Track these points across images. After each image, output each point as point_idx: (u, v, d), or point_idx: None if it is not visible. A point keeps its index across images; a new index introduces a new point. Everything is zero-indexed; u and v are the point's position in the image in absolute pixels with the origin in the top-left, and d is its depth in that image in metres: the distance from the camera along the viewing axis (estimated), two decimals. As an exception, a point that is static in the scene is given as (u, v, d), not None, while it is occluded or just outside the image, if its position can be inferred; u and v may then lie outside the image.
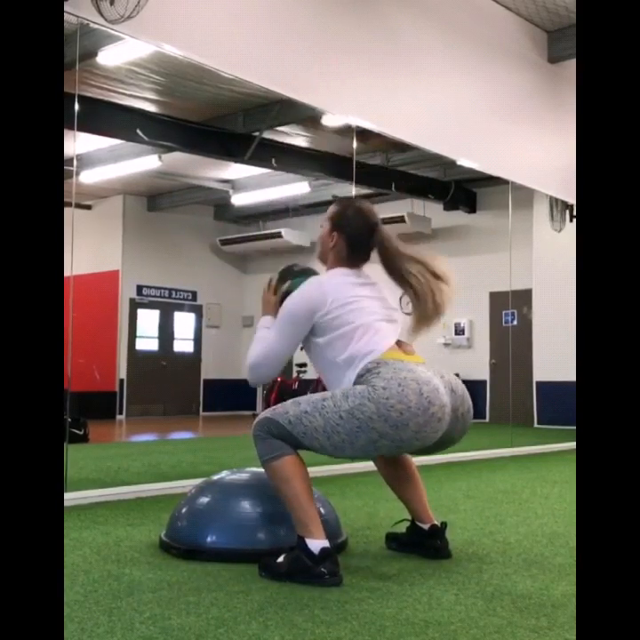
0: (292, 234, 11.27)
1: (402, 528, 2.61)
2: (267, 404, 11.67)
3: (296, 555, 2.16)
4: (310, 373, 10.32)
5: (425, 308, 2.45)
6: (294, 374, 11.83)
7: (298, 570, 2.13)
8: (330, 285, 2.37)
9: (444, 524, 2.51)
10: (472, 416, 2.41)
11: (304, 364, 10.59)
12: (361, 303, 2.36)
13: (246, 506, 2.47)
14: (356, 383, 2.25)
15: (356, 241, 2.45)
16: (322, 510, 2.54)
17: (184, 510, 2.56)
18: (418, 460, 5.23)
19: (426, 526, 2.51)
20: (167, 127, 7.72)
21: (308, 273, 2.50)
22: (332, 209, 2.54)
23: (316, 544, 2.16)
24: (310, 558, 2.13)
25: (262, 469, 2.52)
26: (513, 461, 5.59)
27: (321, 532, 2.19)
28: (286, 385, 11.87)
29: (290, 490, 2.22)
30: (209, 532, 2.44)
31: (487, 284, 10.13)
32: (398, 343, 2.38)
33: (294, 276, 2.49)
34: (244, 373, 2.42)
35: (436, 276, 2.48)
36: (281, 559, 2.18)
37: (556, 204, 7.56)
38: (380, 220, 2.49)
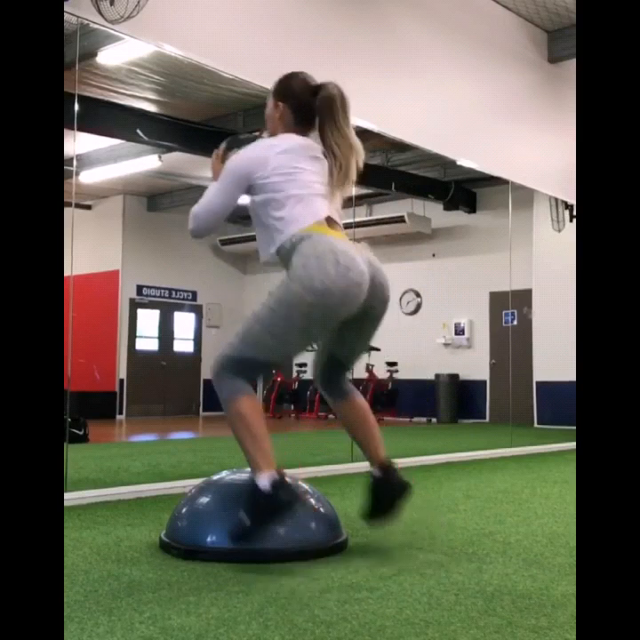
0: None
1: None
2: (267, 405, 11.68)
3: (253, 499, 2.26)
4: (310, 373, 10.31)
5: (339, 179, 2.51)
6: (294, 374, 11.84)
7: (260, 515, 2.24)
8: (274, 151, 2.45)
9: (391, 461, 2.64)
10: (389, 289, 2.50)
11: (304, 364, 10.61)
12: (300, 175, 2.44)
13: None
14: (280, 254, 2.39)
15: (299, 105, 2.53)
16: (322, 510, 2.55)
17: (184, 510, 2.56)
18: (417, 460, 5.27)
19: (377, 471, 2.64)
20: (167, 127, 7.72)
21: (254, 142, 2.58)
22: (274, 84, 2.62)
23: (265, 477, 2.26)
24: (265, 496, 2.24)
25: None
26: (513, 461, 5.59)
27: (269, 464, 2.28)
28: (286, 385, 11.88)
29: (246, 429, 2.33)
30: (209, 532, 2.44)
31: (487, 284, 10.14)
32: (328, 220, 2.45)
33: (241, 144, 2.58)
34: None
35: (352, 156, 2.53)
36: (241, 516, 2.27)
37: (557, 204, 7.56)
38: (328, 84, 2.53)
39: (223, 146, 2.61)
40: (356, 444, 2.73)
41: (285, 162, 2.43)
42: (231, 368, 2.37)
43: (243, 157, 2.48)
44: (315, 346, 2.56)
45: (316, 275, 2.27)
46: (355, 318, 2.44)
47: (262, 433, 2.33)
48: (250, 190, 2.46)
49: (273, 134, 2.58)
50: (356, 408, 2.69)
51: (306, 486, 2.63)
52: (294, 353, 2.49)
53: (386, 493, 2.62)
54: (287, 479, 2.29)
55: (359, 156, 2.54)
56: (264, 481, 2.25)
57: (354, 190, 5.93)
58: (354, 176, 2.53)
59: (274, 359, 2.43)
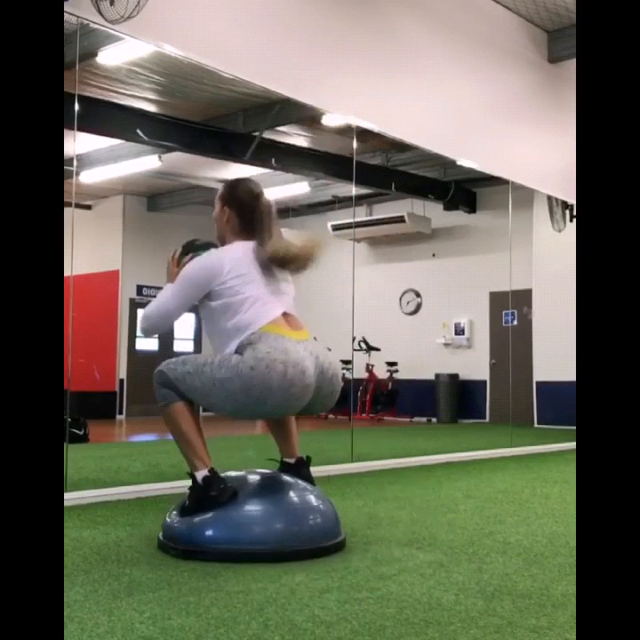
0: (291, 234, 11.27)
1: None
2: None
3: (192, 492, 2.53)
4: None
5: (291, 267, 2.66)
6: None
7: (196, 502, 2.49)
8: (228, 257, 2.59)
9: (308, 457, 2.79)
10: (337, 395, 2.66)
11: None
12: (255, 276, 2.57)
13: (245, 505, 2.47)
14: (237, 352, 2.49)
15: (245, 211, 2.69)
16: (321, 508, 2.55)
17: (177, 512, 2.57)
18: (417, 460, 5.27)
19: (292, 460, 2.78)
20: (167, 127, 7.72)
21: (209, 246, 2.73)
22: (220, 189, 2.77)
23: (200, 474, 2.50)
24: (200, 488, 2.49)
25: (261, 469, 2.68)
26: (513, 461, 5.59)
27: (203, 462, 2.52)
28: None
29: (177, 432, 2.56)
30: (207, 532, 2.44)
31: (487, 284, 10.13)
32: (285, 315, 2.59)
33: (196, 249, 2.71)
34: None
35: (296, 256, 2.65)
36: (186, 501, 2.54)
37: (557, 204, 7.56)
38: (263, 191, 2.74)
39: (179, 250, 2.73)
40: (274, 436, 2.85)
41: (238, 265, 2.56)
42: (164, 384, 2.59)
43: (199, 265, 2.60)
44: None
45: (258, 383, 2.41)
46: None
47: (192, 435, 2.55)
48: (206, 296, 2.58)
49: (220, 236, 2.74)
50: None
51: (306, 485, 2.63)
52: (220, 413, 2.59)
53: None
54: (220, 476, 2.52)
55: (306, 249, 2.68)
56: (199, 476, 2.51)
57: (354, 190, 5.94)
58: (307, 262, 2.65)
59: (198, 403, 2.59)
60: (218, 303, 2.56)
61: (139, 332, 2.79)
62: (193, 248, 2.71)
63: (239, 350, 2.49)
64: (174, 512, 2.57)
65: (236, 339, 2.51)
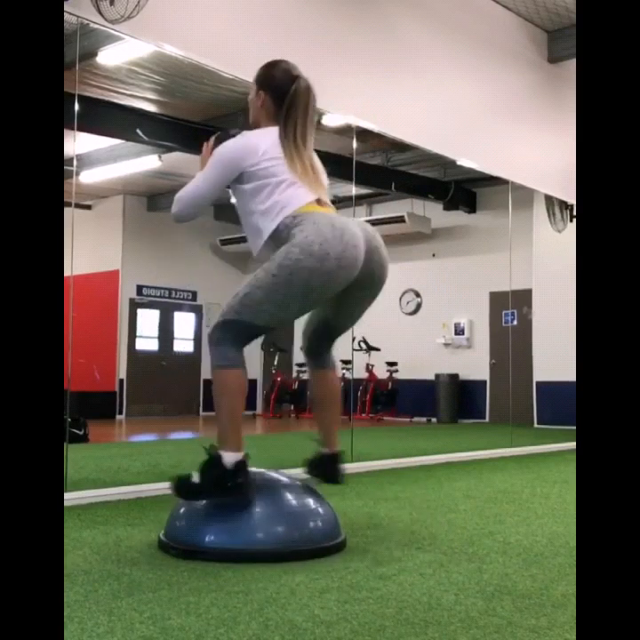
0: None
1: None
2: (267, 404, 11.69)
3: (210, 470, 2.29)
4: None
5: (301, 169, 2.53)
6: (294, 374, 11.84)
7: (212, 482, 2.27)
8: (263, 139, 2.49)
9: (340, 453, 2.71)
10: (387, 255, 2.54)
11: (304, 364, 10.61)
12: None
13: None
14: (274, 238, 2.41)
15: (280, 93, 2.56)
16: (320, 510, 2.55)
17: (182, 510, 2.56)
18: (417, 460, 5.27)
19: (327, 452, 2.70)
20: (167, 127, 7.72)
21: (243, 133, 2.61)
22: (256, 72, 2.66)
23: (232, 456, 2.29)
24: (226, 471, 2.27)
25: (261, 469, 2.60)
26: (513, 461, 5.59)
27: (239, 446, 2.33)
28: (286, 385, 11.88)
29: (226, 402, 2.37)
30: (207, 532, 2.44)
31: (487, 284, 10.13)
32: (319, 201, 2.48)
33: (230, 137, 2.60)
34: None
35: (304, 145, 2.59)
36: (195, 478, 2.31)
37: (554, 205, 7.55)
38: (303, 75, 2.60)
39: (213, 139, 2.63)
40: (316, 419, 2.78)
41: (274, 148, 2.47)
42: (231, 333, 2.38)
43: (233, 145, 2.51)
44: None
45: (314, 239, 2.31)
46: (354, 284, 2.46)
47: (239, 411, 2.38)
48: (239, 179, 2.48)
49: (255, 120, 2.64)
50: (330, 382, 2.76)
51: (305, 486, 2.63)
52: (293, 318, 2.50)
53: (323, 473, 2.72)
54: (250, 468, 2.35)
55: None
56: (230, 457, 2.30)
57: (354, 190, 5.94)
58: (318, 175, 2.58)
59: (272, 324, 2.44)
60: (251, 185, 2.46)
61: (172, 219, 2.61)
62: (227, 137, 2.61)
63: (276, 238, 2.40)
64: (182, 509, 2.54)
65: (269, 220, 2.42)
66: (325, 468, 2.72)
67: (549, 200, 7.52)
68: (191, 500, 2.31)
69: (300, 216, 2.40)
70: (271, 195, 2.43)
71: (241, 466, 2.30)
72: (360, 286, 2.49)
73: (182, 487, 2.33)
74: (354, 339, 8.95)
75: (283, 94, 2.55)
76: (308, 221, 2.37)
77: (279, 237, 2.42)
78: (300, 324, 2.80)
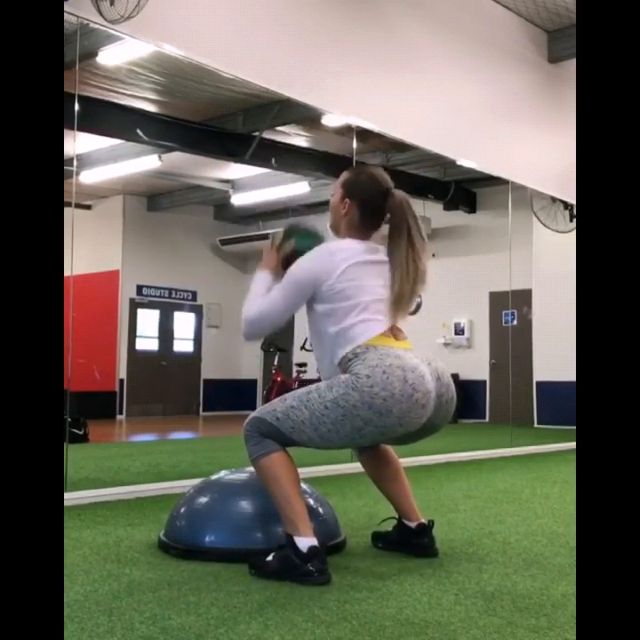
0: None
1: (388, 526, 2.60)
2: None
3: (285, 553, 2.18)
4: (310, 373, 10.32)
5: (400, 292, 2.33)
6: (294, 374, 11.83)
7: (286, 568, 2.15)
8: (340, 257, 2.32)
9: (431, 522, 2.52)
10: (455, 404, 2.40)
11: (304, 364, 10.60)
12: (365, 281, 2.32)
13: (245, 505, 2.47)
14: (341, 365, 2.26)
15: (368, 207, 2.41)
16: (320, 510, 2.55)
17: (183, 510, 2.56)
18: (417, 460, 5.27)
19: (413, 525, 2.51)
20: (167, 127, 7.72)
21: (314, 235, 2.48)
22: (344, 175, 2.49)
23: (305, 542, 2.17)
24: (298, 556, 2.15)
25: None
26: (513, 461, 5.59)
27: (309, 530, 2.20)
28: (286, 385, 11.87)
29: (278, 489, 2.24)
30: (207, 532, 2.44)
31: (487, 284, 10.13)
32: (391, 328, 2.34)
33: (300, 234, 2.47)
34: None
35: (418, 270, 2.36)
36: (270, 558, 2.20)
37: (552, 203, 7.54)
38: (393, 185, 2.43)
39: (280, 236, 2.48)
40: (386, 497, 2.61)
41: (350, 268, 2.30)
42: (264, 432, 2.28)
43: (309, 266, 2.33)
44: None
45: (379, 391, 2.15)
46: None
47: (295, 492, 2.25)
48: (313, 298, 2.33)
49: (335, 227, 2.48)
50: (390, 456, 2.62)
51: (305, 486, 2.63)
52: (332, 448, 2.35)
53: (413, 549, 2.50)
54: (324, 554, 2.19)
55: (423, 280, 2.37)
56: (303, 543, 2.17)
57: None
58: (412, 303, 2.37)
59: (305, 445, 2.30)
60: (325, 307, 2.31)
61: (243, 337, 2.42)
62: (296, 234, 2.47)
63: (343, 366, 2.25)
64: (182, 509, 2.53)
65: (340, 347, 2.27)
66: (415, 544, 2.49)
67: (541, 201, 7.51)
68: (264, 578, 2.17)
69: (370, 350, 2.23)
70: (345, 317, 2.28)
71: (314, 552, 2.16)
72: (413, 433, 2.33)
73: (257, 567, 2.21)
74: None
75: (372, 208, 2.40)
76: (378, 364, 2.18)
77: (344, 363, 2.28)
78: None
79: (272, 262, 2.45)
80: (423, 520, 2.52)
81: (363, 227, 2.42)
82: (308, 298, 2.34)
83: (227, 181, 10.40)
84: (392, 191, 2.41)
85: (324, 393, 2.22)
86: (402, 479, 2.59)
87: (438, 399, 2.30)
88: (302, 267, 2.34)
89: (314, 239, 2.44)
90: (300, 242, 2.43)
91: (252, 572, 2.21)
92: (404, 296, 2.31)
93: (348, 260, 2.31)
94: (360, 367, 2.20)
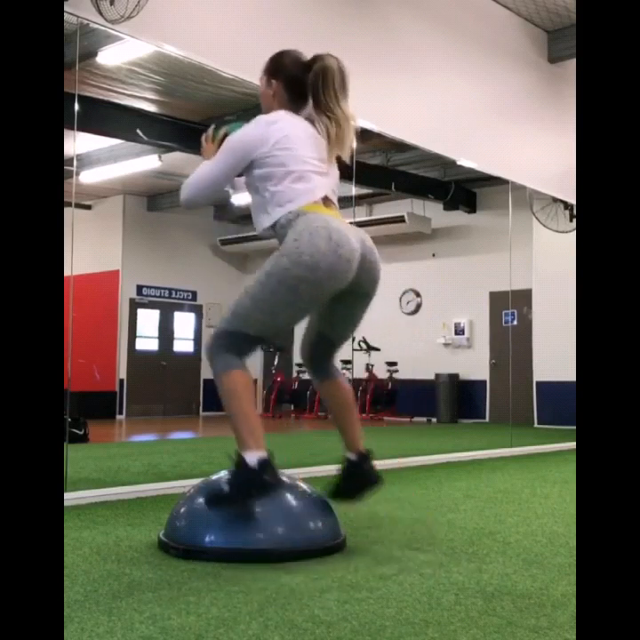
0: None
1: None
2: (267, 405, 11.68)
3: (237, 476, 2.29)
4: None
5: (336, 149, 2.53)
6: (294, 374, 11.84)
7: (242, 489, 2.26)
8: (275, 127, 2.47)
9: (369, 451, 2.65)
10: (380, 269, 2.53)
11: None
12: (300, 151, 2.47)
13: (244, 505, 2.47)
14: (275, 230, 2.43)
15: (293, 81, 2.56)
16: (320, 510, 2.55)
17: (182, 510, 2.56)
18: (417, 460, 5.27)
19: (354, 456, 2.64)
20: (167, 127, 7.72)
21: (244, 123, 2.61)
22: (266, 62, 2.65)
23: (254, 456, 2.27)
24: (251, 472, 2.26)
25: None
26: (513, 461, 5.59)
27: (260, 444, 2.31)
28: (286, 385, 11.88)
29: (235, 405, 2.36)
30: (207, 532, 2.44)
31: (487, 284, 10.14)
32: (326, 200, 2.48)
33: (231, 123, 2.62)
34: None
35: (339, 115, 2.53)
36: (225, 488, 2.31)
37: (551, 203, 7.54)
38: (323, 56, 2.55)
39: (211, 130, 2.65)
40: (337, 427, 2.74)
41: (284, 138, 2.46)
42: (224, 342, 2.40)
43: (244, 135, 2.50)
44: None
45: (305, 249, 2.32)
46: (344, 296, 2.47)
47: (251, 410, 2.37)
48: (250, 165, 2.49)
49: (267, 110, 2.61)
50: (341, 390, 2.72)
51: (305, 486, 2.63)
52: (284, 327, 2.49)
53: (357, 479, 2.65)
54: (274, 463, 2.32)
55: (353, 128, 2.56)
56: (252, 458, 2.28)
57: (354, 190, 5.93)
58: (349, 147, 2.55)
59: (264, 333, 2.45)
60: (261, 171, 2.47)
61: (182, 205, 2.63)
62: (227, 122, 2.63)
63: (278, 232, 2.42)
64: (182, 509, 2.54)
65: (274, 210, 2.44)
66: (358, 473, 2.63)
67: (533, 200, 7.51)
68: (225, 508, 2.29)
69: (300, 216, 2.39)
70: (280, 182, 2.43)
71: (265, 463, 2.27)
72: (349, 298, 2.51)
73: (213, 499, 2.31)
74: (354, 339, 8.95)
75: (295, 81, 2.55)
76: (305, 228, 2.36)
77: (278, 228, 2.44)
78: (299, 327, 2.78)
79: (210, 152, 2.59)
80: (363, 450, 2.65)
81: (292, 102, 2.57)
82: (244, 164, 2.49)
83: (226, 181, 10.39)
84: (318, 56, 2.53)
85: (257, 276, 2.39)
86: (351, 410, 2.74)
87: (362, 259, 2.43)
88: (238, 135, 2.51)
89: (242, 123, 2.57)
90: (232, 126, 2.59)
91: (210, 507, 2.29)
92: (340, 137, 2.48)
93: (283, 131, 2.46)
94: (290, 234, 2.36)
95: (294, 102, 2.57)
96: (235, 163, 2.51)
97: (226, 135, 2.57)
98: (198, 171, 2.55)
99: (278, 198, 2.43)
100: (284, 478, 2.50)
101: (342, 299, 2.49)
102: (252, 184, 2.53)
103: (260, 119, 2.53)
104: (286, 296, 2.36)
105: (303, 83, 2.54)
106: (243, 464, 2.29)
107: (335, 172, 2.60)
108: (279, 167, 2.43)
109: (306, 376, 10.93)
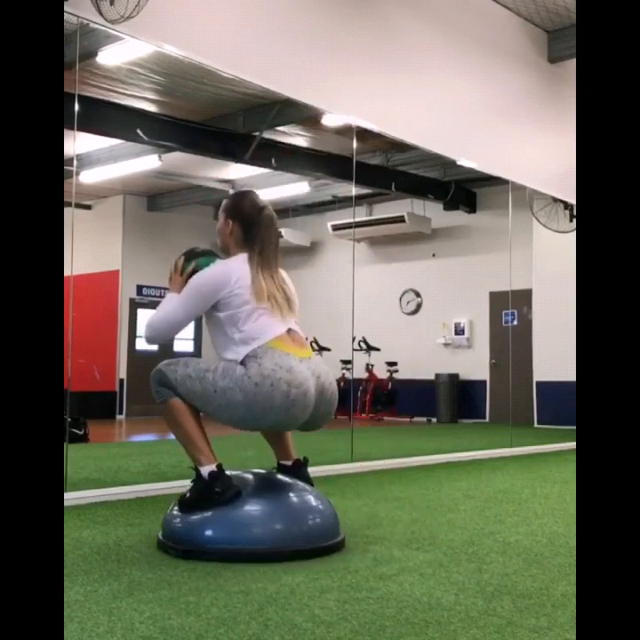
0: (292, 234, 11.27)
1: None
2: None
3: (196, 485, 2.52)
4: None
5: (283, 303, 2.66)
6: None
7: (199, 497, 2.49)
8: (235, 268, 2.62)
9: (305, 459, 2.79)
10: (333, 414, 2.68)
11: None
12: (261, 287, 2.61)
13: (245, 505, 2.47)
14: (242, 362, 2.51)
15: (248, 223, 2.71)
16: (320, 510, 2.55)
17: (176, 511, 2.56)
18: (417, 460, 5.27)
19: (289, 463, 2.78)
20: (167, 127, 7.72)
21: (210, 254, 2.77)
22: (225, 202, 2.81)
23: (206, 469, 2.50)
24: (204, 483, 2.48)
25: (260, 469, 2.69)
26: (513, 461, 5.59)
27: (209, 458, 2.53)
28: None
29: (177, 428, 2.58)
30: (207, 532, 2.44)
31: (487, 284, 10.13)
32: (289, 331, 2.61)
33: (198, 257, 2.75)
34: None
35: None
36: (188, 494, 2.54)
37: (551, 203, 7.54)
38: (268, 206, 2.76)
39: (181, 259, 2.75)
40: (268, 442, 2.86)
41: (245, 277, 2.58)
42: (164, 383, 2.61)
43: (207, 277, 2.62)
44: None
45: (260, 400, 2.44)
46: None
47: (193, 430, 2.56)
48: (214, 307, 2.60)
49: (224, 246, 2.77)
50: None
51: (305, 486, 2.63)
52: (214, 418, 2.60)
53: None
54: (226, 473, 2.52)
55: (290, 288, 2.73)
56: (205, 471, 2.51)
57: (354, 190, 5.94)
58: (296, 306, 2.70)
59: (197, 408, 2.59)
60: (225, 314, 2.57)
61: (144, 341, 2.93)
62: (194, 256, 2.74)
63: (244, 362, 2.51)
64: (175, 510, 2.56)
65: (240, 348, 2.53)
66: (295, 477, 2.73)
67: (533, 200, 7.51)
68: (190, 513, 2.51)
69: (268, 352, 2.49)
70: (245, 322, 2.55)
71: (213, 476, 2.48)
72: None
73: (184, 503, 2.54)
74: (354, 339, 8.95)
75: (250, 223, 2.70)
76: (269, 375, 2.44)
77: (244, 360, 2.53)
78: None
79: (177, 284, 2.70)
80: (297, 457, 2.79)
81: (246, 242, 2.70)
82: (208, 306, 2.61)
83: (227, 181, 10.40)
84: (265, 207, 2.75)
85: (218, 378, 2.50)
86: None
87: (315, 411, 2.55)
88: (202, 278, 2.63)
89: (211, 259, 2.73)
90: (199, 263, 2.71)
91: (181, 511, 2.52)
92: (273, 297, 2.60)
93: (243, 270, 2.60)
94: (255, 370, 2.46)
95: (248, 241, 2.70)
96: (198, 305, 2.62)
97: (195, 271, 2.67)
98: (164, 309, 2.65)
99: (245, 337, 2.54)
100: (279, 476, 2.61)
101: None
102: (217, 323, 2.62)
103: (223, 263, 2.67)
104: (226, 415, 2.52)
105: (258, 225, 2.70)
106: (199, 477, 2.52)
107: (295, 300, 2.71)
108: (244, 305, 2.55)
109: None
